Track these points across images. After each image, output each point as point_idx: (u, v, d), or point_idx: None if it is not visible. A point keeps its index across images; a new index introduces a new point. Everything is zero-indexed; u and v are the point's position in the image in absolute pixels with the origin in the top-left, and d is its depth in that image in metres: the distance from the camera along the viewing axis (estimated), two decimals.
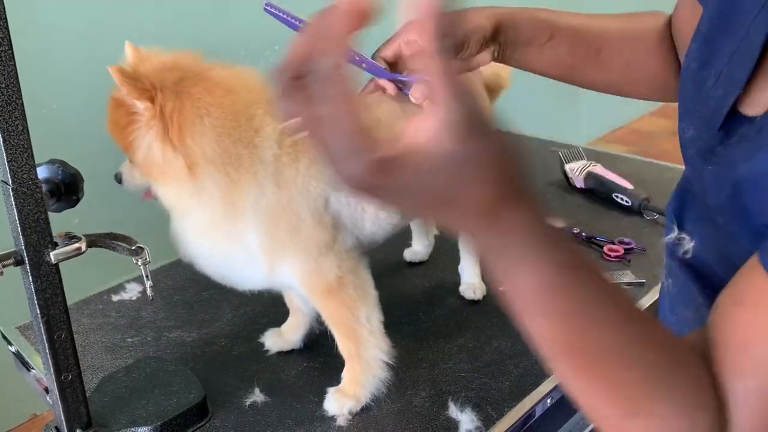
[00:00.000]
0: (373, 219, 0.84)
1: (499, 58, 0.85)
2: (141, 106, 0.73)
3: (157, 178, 0.77)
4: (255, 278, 0.83)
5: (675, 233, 0.69)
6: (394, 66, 0.85)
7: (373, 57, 0.85)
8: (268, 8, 0.71)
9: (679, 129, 0.66)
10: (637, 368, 0.46)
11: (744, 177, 0.54)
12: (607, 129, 3.87)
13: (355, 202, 0.83)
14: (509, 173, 0.41)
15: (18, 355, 0.95)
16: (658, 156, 1.57)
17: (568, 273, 0.44)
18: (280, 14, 0.75)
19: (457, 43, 0.79)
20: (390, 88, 0.84)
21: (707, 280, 0.63)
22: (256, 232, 0.77)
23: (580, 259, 0.46)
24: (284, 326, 0.96)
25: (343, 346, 0.83)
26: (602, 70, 0.86)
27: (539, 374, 0.87)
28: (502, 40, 0.83)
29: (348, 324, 0.82)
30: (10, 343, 0.97)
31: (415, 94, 0.80)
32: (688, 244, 0.66)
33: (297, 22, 0.77)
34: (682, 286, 0.68)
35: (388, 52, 0.84)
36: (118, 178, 0.83)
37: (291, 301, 0.95)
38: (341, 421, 0.81)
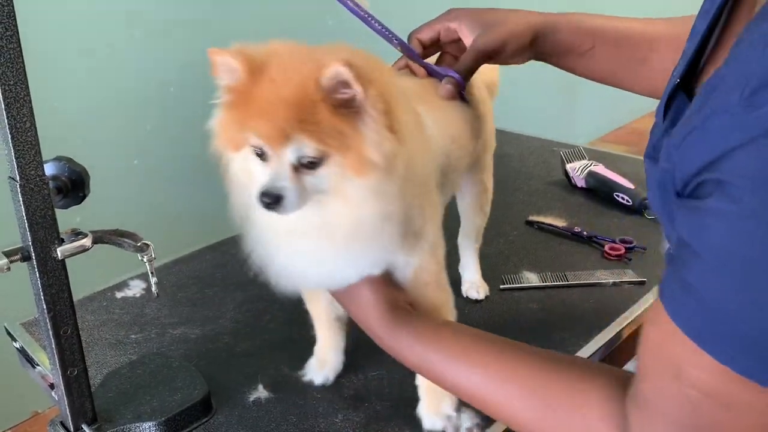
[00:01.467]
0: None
1: (538, 59, 0.86)
2: (371, 98, 0.61)
3: (375, 173, 0.63)
4: (385, 265, 0.74)
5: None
6: (428, 50, 0.87)
7: (409, 37, 0.86)
8: None
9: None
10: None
11: (662, 166, 0.52)
12: (608, 129, 3.88)
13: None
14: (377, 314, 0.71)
15: (22, 352, 0.96)
16: None
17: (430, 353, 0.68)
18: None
19: (494, 48, 0.81)
20: (421, 72, 0.86)
21: None
22: (417, 208, 0.70)
23: (436, 341, 0.69)
24: (319, 348, 0.89)
25: None
26: (646, 78, 0.85)
27: None
28: (539, 48, 0.84)
29: (441, 304, 0.79)
30: (14, 339, 0.98)
31: (441, 90, 0.83)
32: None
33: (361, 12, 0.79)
34: None
35: (425, 36, 0.86)
36: (274, 197, 0.62)
37: (321, 314, 0.87)
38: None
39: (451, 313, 0.80)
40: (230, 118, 0.65)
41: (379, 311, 0.71)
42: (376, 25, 0.81)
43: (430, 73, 0.85)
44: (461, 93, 0.85)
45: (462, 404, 0.81)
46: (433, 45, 0.87)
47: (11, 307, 0.98)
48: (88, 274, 1.00)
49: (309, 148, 0.61)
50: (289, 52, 0.65)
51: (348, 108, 0.61)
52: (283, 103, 0.61)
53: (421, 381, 0.81)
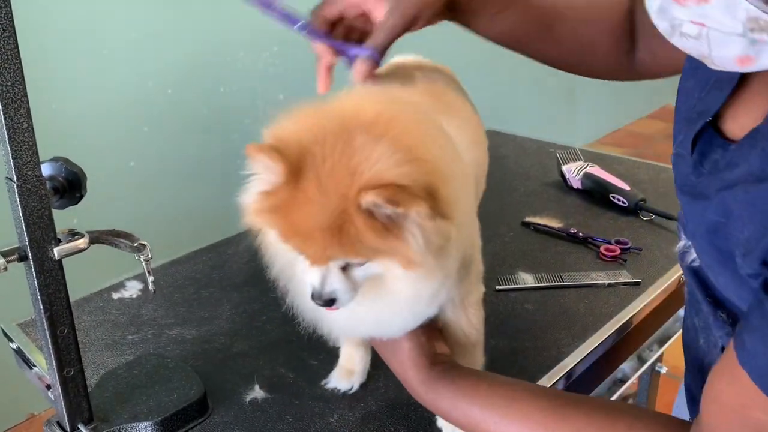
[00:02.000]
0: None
1: (449, 20, 0.83)
2: (415, 213, 0.57)
3: (426, 265, 0.61)
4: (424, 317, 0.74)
5: (683, 242, 0.69)
6: (335, 28, 0.80)
7: (311, 16, 0.78)
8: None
9: (672, 156, 0.66)
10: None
11: (714, 224, 0.54)
12: (604, 132, 3.89)
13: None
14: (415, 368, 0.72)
15: (19, 352, 0.96)
16: (653, 158, 1.58)
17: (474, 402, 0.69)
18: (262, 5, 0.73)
19: (410, 20, 0.77)
20: (327, 56, 0.78)
21: (709, 289, 0.63)
22: (455, 266, 0.68)
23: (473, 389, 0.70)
24: (345, 360, 0.88)
25: (467, 354, 0.80)
26: (553, 46, 0.85)
27: (536, 372, 0.88)
28: (453, 11, 0.81)
29: (479, 329, 0.80)
30: (11, 340, 0.98)
31: (357, 70, 0.76)
32: (695, 253, 0.66)
33: (288, 17, 0.74)
34: (691, 293, 0.69)
35: (329, 12, 0.78)
36: (326, 301, 0.63)
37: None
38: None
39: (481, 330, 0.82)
40: (268, 219, 0.62)
41: (418, 367, 0.72)
42: (278, 8, 0.75)
43: (338, 51, 0.78)
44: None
45: None
46: (339, 21, 0.79)
47: (8, 307, 0.98)
48: (85, 275, 1.00)
49: (353, 262, 0.62)
50: (322, 156, 0.59)
51: (392, 221, 0.58)
52: (323, 230, 0.58)
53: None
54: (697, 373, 0.73)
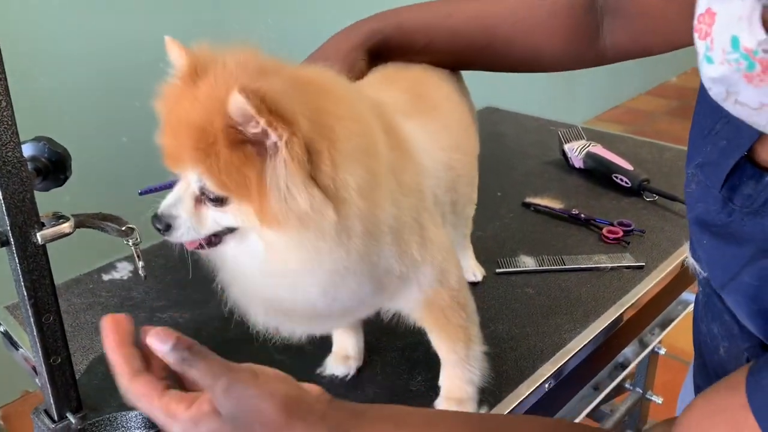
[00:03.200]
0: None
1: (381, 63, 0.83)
2: (283, 140, 0.52)
3: (287, 228, 0.56)
4: (379, 303, 0.71)
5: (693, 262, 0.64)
6: None
7: None
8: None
9: (686, 173, 0.60)
10: None
11: (747, 287, 0.49)
12: (603, 108, 3.85)
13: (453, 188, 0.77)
14: None
15: (6, 335, 0.94)
16: (653, 136, 1.56)
17: None
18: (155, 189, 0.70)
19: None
20: None
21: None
22: (393, 255, 0.64)
23: None
24: (339, 348, 0.86)
25: (452, 351, 0.76)
26: (493, 59, 0.84)
27: (537, 358, 0.86)
28: (376, 60, 0.82)
29: (462, 324, 0.75)
30: None
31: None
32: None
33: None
34: (708, 297, 0.64)
35: None
36: (164, 225, 0.60)
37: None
38: None
39: (475, 329, 0.77)
40: (158, 107, 0.60)
41: (307, 425, 0.52)
42: None
43: None
44: None
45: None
46: None
47: None
48: (75, 255, 0.97)
49: (208, 183, 0.55)
50: (234, 64, 0.56)
51: (259, 144, 0.53)
52: (188, 125, 0.55)
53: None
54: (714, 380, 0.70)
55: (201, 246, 0.62)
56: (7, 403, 1.89)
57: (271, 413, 0.50)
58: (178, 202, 0.59)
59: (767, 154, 0.50)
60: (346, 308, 0.66)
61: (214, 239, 0.61)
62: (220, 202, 0.57)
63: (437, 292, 0.71)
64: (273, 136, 0.52)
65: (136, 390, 0.51)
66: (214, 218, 0.59)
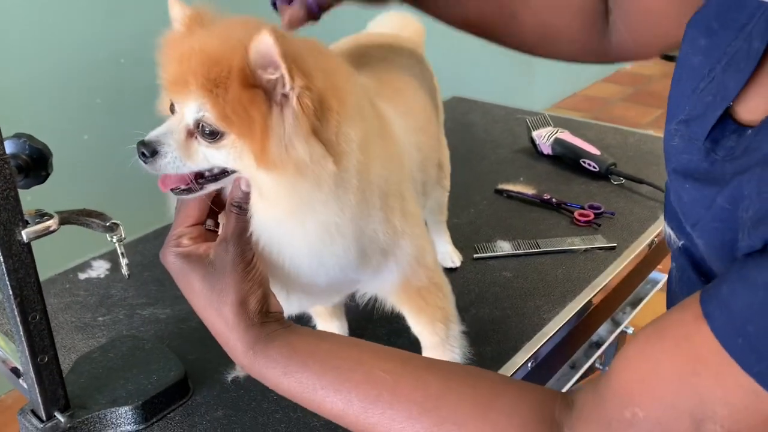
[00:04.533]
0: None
1: (407, 3, 0.82)
2: (296, 91, 0.54)
3: (283, 173, 0.56)
4: (360, 278, 0.70)
5: (667, 228, 0.67)
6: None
7: None
8: None
9: (665, 133, 0.62)
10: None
11: (720, 211, 0.51)
12: (561, 96, 3.91)
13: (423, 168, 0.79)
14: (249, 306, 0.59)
15: None
16: (611, 122, 1.60)
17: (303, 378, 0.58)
18: None
19: None
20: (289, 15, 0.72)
21: (703, 270, 0.61)
22: (379, 220, 0.64)
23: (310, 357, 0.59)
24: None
25: (432, 333, 0.77)
26: (516, 32, 0.83)
27: (519, 339, 0.88)
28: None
29: (440, 304, 0.75)
30: None
31: (288, 14, 0.71)
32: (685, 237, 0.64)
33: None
34: (682, 271, 0.66)
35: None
36: (150, 150, 0.57)
37: (320, 309, 0.87)
38: None
39: (451, 308, 0.78)
40: (159, 55, 0.59)
41: (245, 326, 0.59)
42: None
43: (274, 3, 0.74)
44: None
45: None
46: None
47: None
48: (48, 254, 0.95)
49: (208, 115, 0.55)
50: (229, 22, 0.59)
51: (268, 92, 0.54)
52: (200, 53, 0.54)
53: None
54: None
55: (183, 190, 0.60)
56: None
57: (229, 298, 0.58)
58: (168, 132, 0.58)
59: (748, 113, 0.52)
60: (330, 278, 0.65)
61: (200, 181, 0.60)
62: (215, 137, 0.56)
63: (414, 272, 0.71)
64: (286, 86, 0.53)
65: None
66: (205, 155, 0.58)
